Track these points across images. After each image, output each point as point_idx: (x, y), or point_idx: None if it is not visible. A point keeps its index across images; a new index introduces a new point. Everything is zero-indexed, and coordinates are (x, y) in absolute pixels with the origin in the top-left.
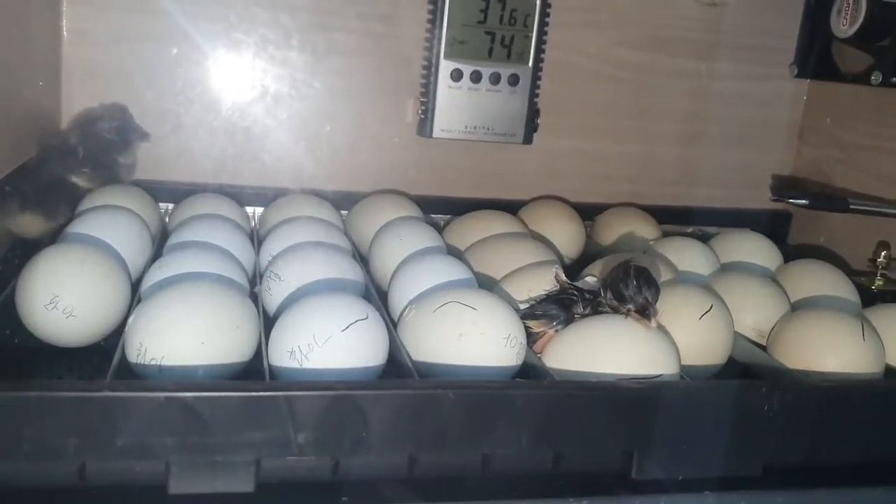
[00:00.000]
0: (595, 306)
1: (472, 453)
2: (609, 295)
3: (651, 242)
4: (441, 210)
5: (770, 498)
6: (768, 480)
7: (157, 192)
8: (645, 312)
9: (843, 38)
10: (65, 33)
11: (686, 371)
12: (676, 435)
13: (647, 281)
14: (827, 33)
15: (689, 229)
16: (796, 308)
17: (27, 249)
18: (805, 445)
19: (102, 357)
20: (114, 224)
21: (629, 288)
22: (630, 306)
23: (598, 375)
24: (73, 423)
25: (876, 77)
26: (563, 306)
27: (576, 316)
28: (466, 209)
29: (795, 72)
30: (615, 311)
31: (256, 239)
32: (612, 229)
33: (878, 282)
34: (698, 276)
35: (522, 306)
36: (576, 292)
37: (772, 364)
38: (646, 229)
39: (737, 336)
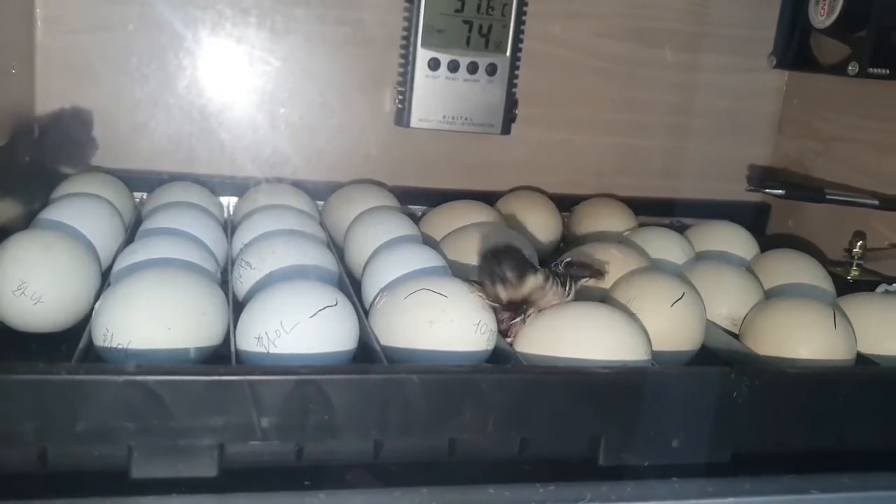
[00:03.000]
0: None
1: (438, 438)
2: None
3: (626, 232)
4: (418, 201)
5: (738, 484)
6: (737, 467)
7: (131, 180)
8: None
9: (820, 28)
10: (38, 21)
11: (658, 358)
12: (644, 421)
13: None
14: (805, 24)
15: (668, 220)
16: (770, 297)
17: None
18: (774, 432)
19: (71, 343)
20: (85, 211)
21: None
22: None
23: (567, 361)
24: (33, 408)
25: (853, 67)
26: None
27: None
28: (444, 200)
29: (774, 62)
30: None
31: (230, 228)
32: (589, 220)
33: (854, 272)
34: (672, 265)
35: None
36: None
37: (744, 351)
38: (622, 220)
39: (710, 324)
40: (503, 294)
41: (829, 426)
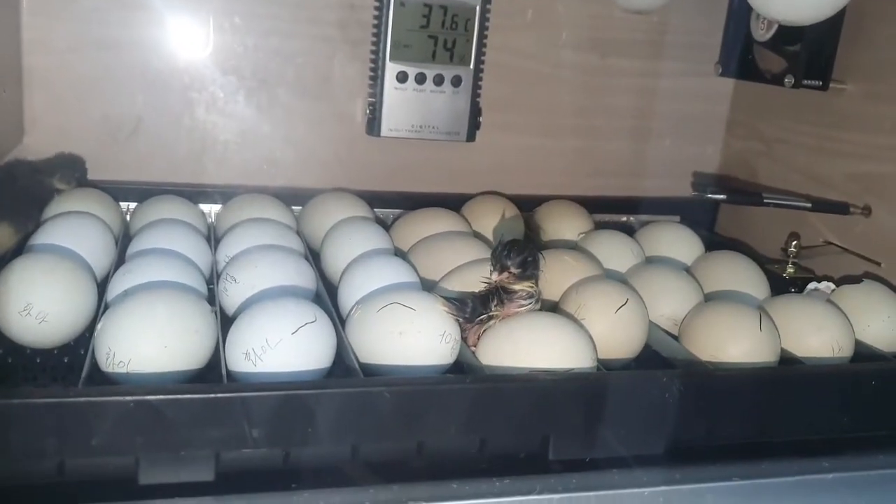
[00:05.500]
0: (497, 298)
1: (407, 441)
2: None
3: (581, 235)
4: (389, 205)
5: (669, 474)
6: (669, 458)
7: (117, 192)
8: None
9: (761, 41)
10: (24, 43)
11: (604, 360)
12: (587, 420)
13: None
14: (748, 36)
15: (625, 218)
16: (708, 298)
17: None
18: (701, 427)
19: (72, 356)
20: (79, 231)
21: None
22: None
23: (522, 368)
24: (53, 426)
25: (789, 80)
26: (483, 303)
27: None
28: (413, 204)
29: (720, 71)
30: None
31: (213, 238)
32: (548, 222)
33: (790, 269)
34: (619, 274)
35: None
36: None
37: (681, 353)
38: (578, 221)
39: (652, 326)
40: (499, 279)
41: (751, 420)
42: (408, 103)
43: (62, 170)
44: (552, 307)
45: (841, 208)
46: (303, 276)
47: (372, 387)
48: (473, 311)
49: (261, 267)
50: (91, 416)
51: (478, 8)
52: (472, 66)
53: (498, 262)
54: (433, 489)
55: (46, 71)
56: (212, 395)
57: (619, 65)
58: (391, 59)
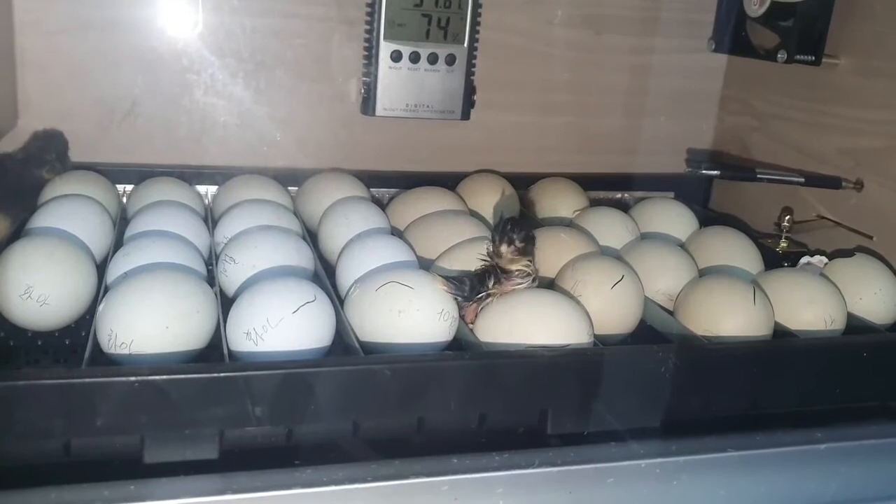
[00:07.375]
0: (495, 276)
1: (408, 417)
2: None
3: (576, 212)
4: (385, 184)
5: (665, 446)
6: (664, 431)
7: (114, 175)
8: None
9: (754, 17)
10: (17, 25)
11: (600, 336)
12: (585, 394)
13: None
14: (741, 12)
15: (619, 195)
16: (703, 273)
17: None
18: (697, 400)
19: (74, 338)
20: (77, 214)
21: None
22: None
23: (520, 344)
24: (59, 406)
25: (782, 55)
26: (480, 281)
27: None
28: (409, 183)
29: (713, 46)
30: (505, 268)
31: (211, 219)
32: (543, 199)
33: (783, 244)
34: (614, 250)
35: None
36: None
37: (676, 327)
38: (573, 198)
39: (648, 301)
40: (503, 251)
41: (745, 393)
42: (402, 82)
43: (49, 163)
44: (548, 284)
45: (833, 183)
46: (301, 256)
47: (373, 364)
48: (471, 289)
49: (260, 247)
50: (97, 396)
51: None
52: (466, 45)
53: (504, 235)
54: (433, 464)
55: (40, 53)
56: (215, 375)
57: (613, 41)
58: (385, 38)
